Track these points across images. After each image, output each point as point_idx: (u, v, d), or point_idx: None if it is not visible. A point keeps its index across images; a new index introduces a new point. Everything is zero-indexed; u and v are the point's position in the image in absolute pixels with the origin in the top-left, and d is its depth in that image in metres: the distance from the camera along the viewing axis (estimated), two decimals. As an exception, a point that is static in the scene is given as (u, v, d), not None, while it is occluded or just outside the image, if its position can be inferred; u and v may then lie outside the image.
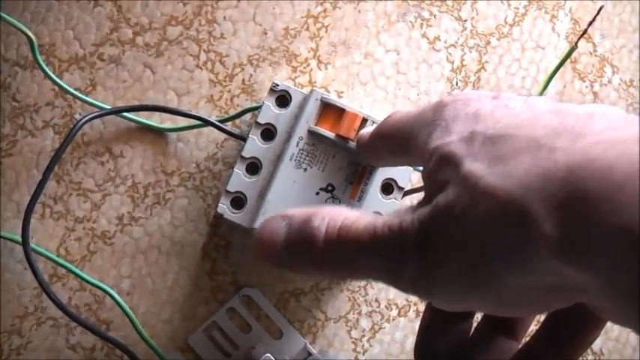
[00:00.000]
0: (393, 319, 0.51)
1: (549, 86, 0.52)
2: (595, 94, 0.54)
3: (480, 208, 0.26)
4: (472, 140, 0.28)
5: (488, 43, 0.53)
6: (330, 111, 0.45)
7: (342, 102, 0.45)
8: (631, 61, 0.54)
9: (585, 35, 0.53)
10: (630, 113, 0.26)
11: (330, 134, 0.45)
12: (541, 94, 0.49)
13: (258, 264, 0.50)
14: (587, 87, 0.53)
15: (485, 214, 0.26)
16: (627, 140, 0.24)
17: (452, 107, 0.31)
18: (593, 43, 0.54)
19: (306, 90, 0.49)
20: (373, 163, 0.45)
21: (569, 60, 0.53)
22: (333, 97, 0.46)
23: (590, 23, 0.46)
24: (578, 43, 0.47)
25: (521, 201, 0.25)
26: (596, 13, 0.46)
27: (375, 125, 0.44)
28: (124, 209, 0.49)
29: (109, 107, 0.48)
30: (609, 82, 0.54)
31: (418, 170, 0.47)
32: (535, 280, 0.26)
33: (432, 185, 0.30)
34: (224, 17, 0.50)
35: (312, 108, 0.45)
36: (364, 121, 0.45)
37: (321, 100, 0.45)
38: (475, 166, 0.27)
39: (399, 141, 0.35)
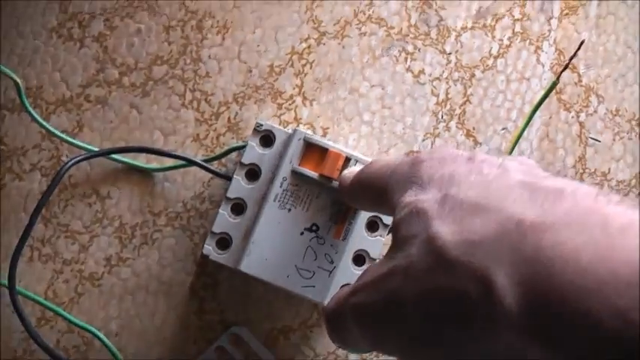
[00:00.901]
0: (382, 355, 0.51)
1: (535, 117, 0.53)
2: (581, 124, 0.54)
3: (441, 274, 0.27)
4: (444, 203, 0.29)
5: (473, 75, 0.53)
6: (314, 150, 0.46)
7: (325, 141, 0.46)
8: (616, 91, 0.54)
9: (570, 65, 0.53)
10: (600, 191, 0.26)
11: (314, 174, 0.45)
12: (524, 129, 0.49)
13: (245, 302, 0.50)
14: (572, 117, 0.54)
15: (446, 281, 0.26)
16: (594, 225, 0.24)
17: (427, 165, 0.31)
18: (578, 74, 0.54)
19: (291, 128, 0.49)
20: (354, 206, 0.45)
21: (554, 91, 0.53)
22: (316, 137, 0.46)
23: (572, 57, 0.46)
24: (563, 74, 0.47)
25: (485, 273, 0.25)
26: (577, 47, 0.46)
27: (358, 164, 0.44)
28: (111, 250, 0.50)
29: (95, 149, 0.49)
30: (595, 111, 0.54)
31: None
32: (491, 351, 0.26)
33: (399, 236, 0.30)
34: (209, 56, 0.51)
35: (295, 148, 0.45)
36: (347, 160, 0.45)
37: (304, 140, 0.46)
38: (443, 230, 0.27)
39: (377, 192, 0.36)
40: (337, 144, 0.49)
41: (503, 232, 0.26)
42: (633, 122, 0.54)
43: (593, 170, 0.54)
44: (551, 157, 0.53)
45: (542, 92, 0.48)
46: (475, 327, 0.26)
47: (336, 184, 0.45)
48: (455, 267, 0.26)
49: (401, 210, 0.31)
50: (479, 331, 0.26)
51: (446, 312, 0.27)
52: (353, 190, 0.40)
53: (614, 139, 0.54)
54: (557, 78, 0.46)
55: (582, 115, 0.54)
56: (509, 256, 0.25)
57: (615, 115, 0.54)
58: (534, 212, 0.26)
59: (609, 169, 0.54)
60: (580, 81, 0.54)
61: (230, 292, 0.50)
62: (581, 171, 0.53)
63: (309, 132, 0.47)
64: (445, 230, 0.27)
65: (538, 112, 0.52)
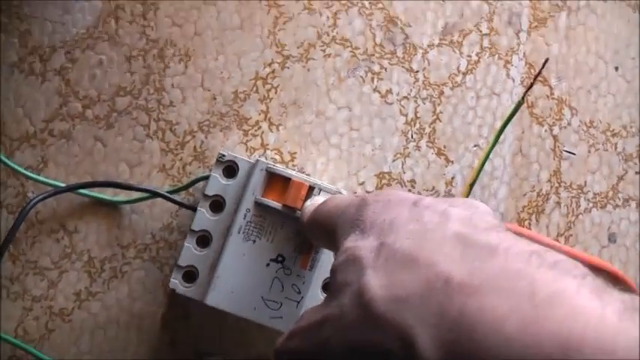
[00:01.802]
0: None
1: (507, 132, 0.52)
2: (555, 137, 0.53)
3: (368, 329, 0.26)
4: (379, 253, 0.28)
5: (442, 93, 0.52)
6: (277, 180, 0.45)
7: (288, 171, 0.45)
8: (590, 102, 0.53)
9: (541, 79, 0.52)
10: (535, 249, 0.26)
11: (277, 205, 0.45)
12: (493, 147, 0.48)
13: (219, 331, 0.50)
14: (546, 131, 0.53)
15: (372, 337, 0.26)
16: (521, 292, 0.23)
17: (371, 209, 0.31)
18: (550, 87, 0.53)
19: (255, 156, 0.49)
20: (314, 242, 0.44)
21: (526, 105, 0.52)
22: (278, 167, 0.45)
23: (536, 77, 0.45)
24: (534, 87, 0.47)
25: (409, 333, 0.25)
26: (542, 65, 0.46)
27: (322, 193, 0.44)
28: (81, 285, 0.49)
29: (61, 185, 0.48)
30: (569, 124, 0.53)
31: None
32: None
33: (336, 282, 0.30)
34: (172, 84, 0.50)
35: (257, 179, 0.45)
36: (311, 189, 0.44)
37: (266, 170, 0.45)
38: (374, 282, 0.27)
39: (327, 232, 0.36)
40: (303, 170, 0.49)
41: (430, 290, 0.25)
42: (608, 133, 0.54)
43: (569, 184, 0.53)
44: (526, 172, 0.52)
45: (509, 110, 0.48)
46: None
47: (299, 214, 0.44)
48: (381, 323, 0.26)
49: (340, 255, 0.31)
50: None
51: None
52: (309, 227, 0.40)
53: (589, 151, 0.53)
54: (523, 97, 0.46)
55: (556, 129, 0.53)
56: (434, 317, 0.24)
57: (590, 127, 0.53)
58: (463, 270, 0.25)
59: (585, 182, 0.53)
60: (552, 94, 0.53)
61: (202, 323, 0.50)
62: (556, 185, 0.53)
63: (274, 159, 0.46)
64: (376, 283, 0.27)
65: (510, 127, 0.52)
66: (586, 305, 0.23)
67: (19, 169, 0.48)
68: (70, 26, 0.50)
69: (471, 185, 0.49)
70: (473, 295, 0.24)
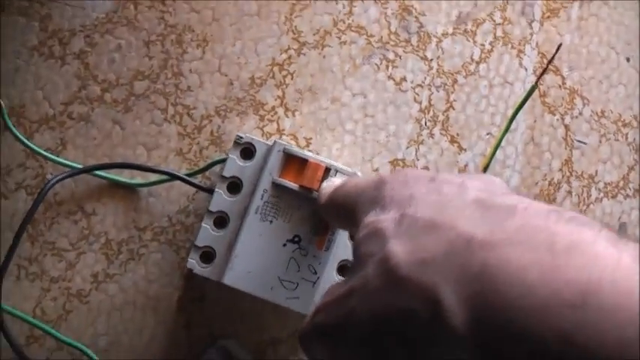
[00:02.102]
0: (372, 363, 0.51)
1: (519, 121, 0.52)
2: (566, 127, 0.53)
3: (393, 293, 0.27)
4: (401, 223, 0.29)
5: (456, 81, 0.53)
6: (294, 162, 0.46)
7: (305, 152, 0.46)
8: (601, 92, 0.54)
9: (553, 68, 0.53)
10: (552, 208, 0.27)
11: (294, 185, 0.45)
12: (505, 133, 0.49)
13: (233, 314, 0.50)
14: (557, 120, 0.53)
15: (397, 300, 0.27)
16: (541, 244, 0.24)
17: (390, 187, 0.32)
18: (562, 76, 0.54)
19: (273, 139, 0.49)
20: (331, 223, 0.45)
21: (538, 94, 0.53)
22: (295, 148, 0.46)
23: (550, 61, 0.46)
24: (546, 77, 0.47)
25: (433, 291, 0.25)
26: (555, 50, 0.46)
27: (338, 174, 0.45)
28: (98, 267, 0.50)
29: (79, 166, 0.49)
30: (580, 114, 0.54)
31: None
32: None
33: (359, 255, 0.31)
34: (190, 70, 0.51)
35: (275, 160, 0.46)
36: (327, 170, 0.45)
37: (283, 151, 0.46)
38: (397, 249, 0.28)
39: (347, 212, 0.36)
40: (318, 154, 0.49)
41: (453, 250, 0.26)
42: (619, 123, 0.54)
43: (580, 173, 0.53)
44: (537, 161, 0.53)
45: (522, 96, 0.48)
46: (423, 344, 0.26)
47: (316, 194, 0.45)
48: (405, 285, 0.26)
49: (362, 230, 0.31)
50: (427, 349, 0.26)
51: (396, 330, 0.27)
52: (327, 208, 0.41)
53: (600, 141, 0.54)
54: (537, 82, 0.46)
55: (567, 118, 0.54)
56: (458, 274, 0.25)
57: (601, 116, 0.54)
58: (484, 230, 0.26)
59: (596, 172, 0.54)
60: (564, 83, 0.54)
61: (218, 305, 0.50)
62: (568, 174, 0.53)
63: (289, 143, 0.47)
64: (399, 249, 0.28)
65: (522, 116, 0.53)
66: (603, 252, 0.24)
67: (39, 149, 0.49)
68: (89, 11, 0.50)
69: (484, 172, 0.50)
70: (494, 250, 0.25)
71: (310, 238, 0.46)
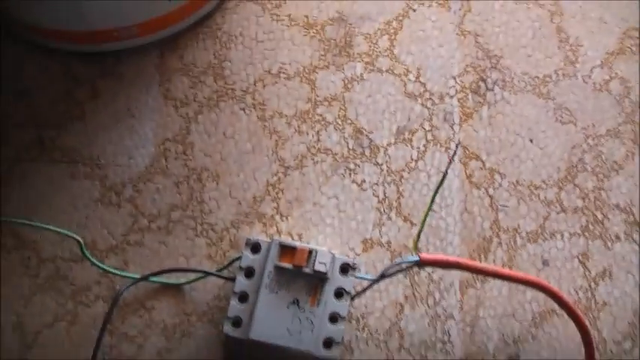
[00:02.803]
0: (371, 393, 0.68)
1: (454, 198, 0.71)
2: (491, 197, 0.72)
3: None
4: None
5: (402, 177, 0.72)
6: (287, 250, 0.64)
7: (294, 242, 0.65)
8: (514, 167, 0.72)
9: (474, 156, 0.72)
10: None
11: (289, 265, 0.64)
12: (430, 207, 0.67)
13: (263, 369, 0.68)
14: (483, 193, 0.72)
15: None
16: None
17: None
18: (482, 161, 0.72)
19: (272, 238, 0.68)
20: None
21: (465, 176, 0.72)
22: (287, 241, 0.65)
23: (452, 157, 0.65)
24: (471, 163, 0.66)
25: None
26: (453, 152, 0.66)
27: (319, 254, 0.63)
28: (160, 345, 0.68)
29: (138, 276, 0.68)
30: (500, 185, 0.72)
31: (363, 278, 0.65)
32: None
33: None
34: (209, 197, 0.71)
35: (274, 251, 0.64)
36: (310, 252, 0.64)
37: (279, 244, 0.65)
38: None
39: None
40: (308, 244, 0.68)
41: None
42: (531, 187, 0.72)
43: (506, 228, 0.71)
44: (472, 224, 0.71)
45: (438, 182, 0.67)
46: None
47: (306, 269, 0.63)
48: None
49: None
50: None
51: None
52: None
53: (518, 203, 0.72)
54: (446, 172, 0.65)
55: (490, 190, 0.72)
56: None
57: (517, 185, 0.72)
58: None
59: (519, 225, 0.71)
60: (484, 166, 0.73)
61: (250, 364, 0.68)
62: (497, 230, 0.71)
63: (287, 239, 0.66)
64: None
65: (456, 194, 0.71)
66: None
67: (110, 269, 0.68)
68: (133, 167, 0.71)
69: (418, 235, 0.67)
70: None
71: (305, 299, 0.64)
